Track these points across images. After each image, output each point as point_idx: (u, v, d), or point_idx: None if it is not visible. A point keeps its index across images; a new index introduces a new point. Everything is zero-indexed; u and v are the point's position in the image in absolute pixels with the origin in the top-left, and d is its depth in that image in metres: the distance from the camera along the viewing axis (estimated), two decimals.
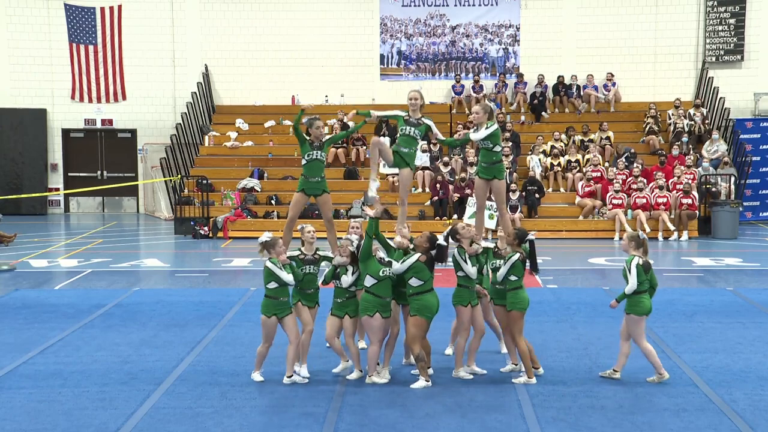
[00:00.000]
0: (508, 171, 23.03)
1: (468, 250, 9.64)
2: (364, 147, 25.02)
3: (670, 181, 22.59)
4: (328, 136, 10.76)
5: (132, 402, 8.97)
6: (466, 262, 9.53)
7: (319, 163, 10.46)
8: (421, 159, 23.88)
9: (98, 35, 27.64)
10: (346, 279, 9.58)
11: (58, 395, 9.23)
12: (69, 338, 11.66)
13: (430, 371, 9.70)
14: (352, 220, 10.50)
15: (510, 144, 24.20)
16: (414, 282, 9.43)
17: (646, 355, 9.54)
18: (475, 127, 10.28)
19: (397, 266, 9.44)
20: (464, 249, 9.60)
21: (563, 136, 25.19)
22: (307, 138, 10.47)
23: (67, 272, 17.29)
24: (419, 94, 10.27)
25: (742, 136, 24.87)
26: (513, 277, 9.58)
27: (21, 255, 19.14)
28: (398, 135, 10.31)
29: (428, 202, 23.00)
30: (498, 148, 10.16)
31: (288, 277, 9.44)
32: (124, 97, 28.06)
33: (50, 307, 13.57)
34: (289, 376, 9.55)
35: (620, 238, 21.48)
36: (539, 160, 24.05)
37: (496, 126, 10.14)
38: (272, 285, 9.48)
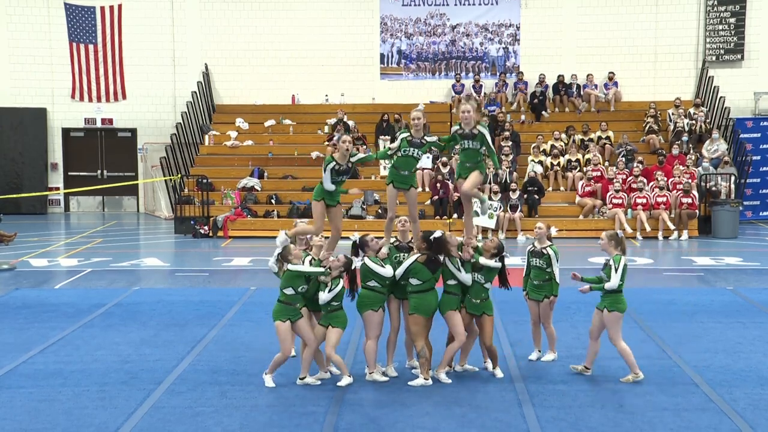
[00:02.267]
0: (507, 170, 23.06)
1: (463, 256, 9.60)
2: (364, 146, 25.01)
3: (670, 180, 22.59)
4: (359, 156, 10.29)
5: (132, 401, 8.97)
6: (459, 270, 9.52)
7: (341, 185, 10.18)
8: (423, 161, 23.88)
9: (98, 34, 27.64)
10: (323, 296, 9.38)
11: (59, 394, 9.23)
12: (69, 337, 11.66)
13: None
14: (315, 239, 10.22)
15: (510, 143, 24.21)
16: (413, 281, 9.49)
17: (623, 355, 9.54)
18: (460, 126, 9.88)
19: (398, 270, 9.54)
20: (455, 257, 9.55)
21: (563, 136, 25.19)
22: (332, 162, 9.90)
23: (67, 271, 17.29)
24: (422, 113, 10.04)
25: (742, 136, 24.86)
26: (487, 285, 9.67)
27: (21, 254, 19.14)
28: (398, 155, 10.05)
29: (428, 202, 23.01)
30: (484, 148, 9.93)
31: (314, 270, 9.37)
32: (124, 97, 28.05)
33: (50, 307, 13.57)
34: (302, 378, 9.50)
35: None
36: (540, 161, 24.03)
37: (487, 128, 9.91)
38: (289, 291, 9.30)
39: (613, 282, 9.43)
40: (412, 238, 10.03)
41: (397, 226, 10.03)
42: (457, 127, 9.95)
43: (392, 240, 10.05)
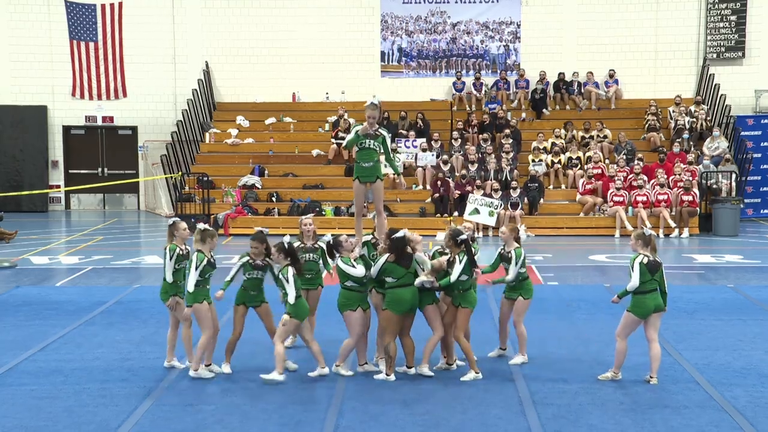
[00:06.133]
0: (508, 168, 23.06)
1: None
2: None
3: (670, 178, 22.58)
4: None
5: (133, 399, 8.97)
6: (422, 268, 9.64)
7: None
8: (426, 158, 23.90)
9: (99, 32, 27.64)
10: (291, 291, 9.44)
11: (60, 392, 9.23)
12: (70, 335, 11.67)
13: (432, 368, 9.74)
14: (304, 217, 10.74)
15: (511, 141, 24.21)
16: (388, 279, 9.54)
17: (618, 352, 9.49)
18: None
19: (372, 270, 9.61)
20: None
21: (563, 132, 25.16)
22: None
23: (68, 269, 17.29)
24: (377, 111, 10.13)
25: (743, 133, 24.84)
26: (464, 277, 9.58)
27: (22, 252, 19.14)
28: (357, 150, 10.26)
29: (428, 200, 23.01)
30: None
31: (356, 270, 9.57)
32: (124, 94, 28.05)
33: (51, 304, 13.58)
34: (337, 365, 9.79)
35: (622, 236, 21.54)
36: (541, 159, 23.99)
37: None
38: (349, 283, 9.62)
39: (633, 282, 9.29)
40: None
41: (374, 222, 10.13)
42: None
43: (368, 237, 10.16)
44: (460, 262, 9.53)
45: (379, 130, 10.23)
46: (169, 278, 9.74)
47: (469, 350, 9.66)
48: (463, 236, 9.60)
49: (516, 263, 10.10)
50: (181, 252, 9.78)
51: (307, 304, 9.69)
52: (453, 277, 9.51)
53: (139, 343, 11.18)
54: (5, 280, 15.98)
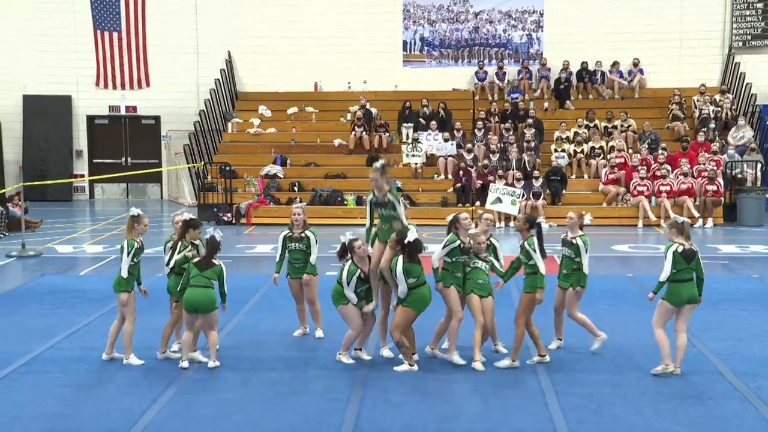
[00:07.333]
0: (530, 158, 22.98)
1: (475, 246, 9.65)
2: (387, 133, 25.02)
3: (694, 168, 22.41)
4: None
5: (156, 387, 9.03)
6: (491, 262, 9.70)
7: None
8: (446, 149, 23.82)
9: (122, 22, 27.76)
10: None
11: (83, 380, 9.32)
12: (94, 324, 11.76)
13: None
14: (295, 206, 10.97)
15: (533, 131, 24.10)
16: (410, 281, 9.44)
17: (659, 342, 9.38)
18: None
19: (401, 289, 9.43)
20: (460, 238, 9.53)
21: (585, 121, 25.02)
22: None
23: (92, 258, 17.42)
24: (378, 174, 9.67)
25: None
26: (531, 262, 9.58)
27: (47, 241, 19.30)
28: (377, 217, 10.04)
29: (451, 189, 22.97)
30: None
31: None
32: (147, 84, 28.18)
33: (76, 293, 13.69)
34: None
35: (645, 226, 21.43)
36: (563, 149, 23.87)
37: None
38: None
39: (664, 272, 9.18)
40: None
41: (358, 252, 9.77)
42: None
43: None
44: (535, 250, 9.47)
45: (388, 195, 9.76)
46: (125, 273, 10.06)
47: (521, 339, 9.61)
48: (539, 220, 9.75)
49: (587, 252, 9.99)
50: (138, 246, 10.16)
51: (194, 298, 9.64)
52: (542, 270, 9.44)
53: (161, 332, 11.22)
54: (30, 268, 16.13)
